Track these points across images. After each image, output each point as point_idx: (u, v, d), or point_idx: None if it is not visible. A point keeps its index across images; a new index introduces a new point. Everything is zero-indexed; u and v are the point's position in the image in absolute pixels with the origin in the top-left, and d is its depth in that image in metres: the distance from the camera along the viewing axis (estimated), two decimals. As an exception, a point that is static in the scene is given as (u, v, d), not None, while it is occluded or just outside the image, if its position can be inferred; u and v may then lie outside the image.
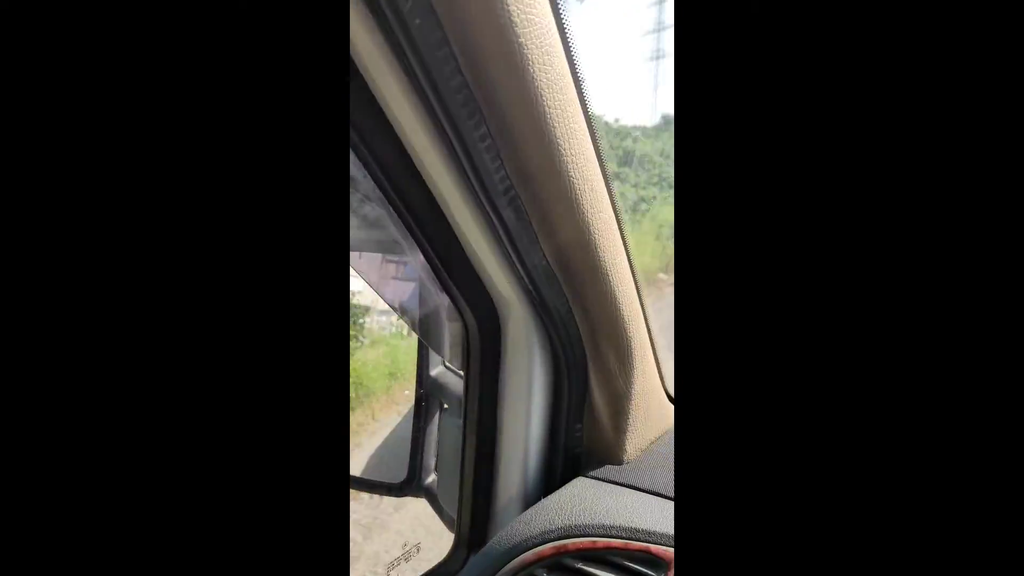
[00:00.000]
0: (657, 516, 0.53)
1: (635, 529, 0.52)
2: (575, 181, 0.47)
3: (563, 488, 0.61)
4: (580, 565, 0.52)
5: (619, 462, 0.64)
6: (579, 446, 0.66)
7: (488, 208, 0.48)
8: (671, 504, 0.56)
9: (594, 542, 0.52)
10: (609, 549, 0.52)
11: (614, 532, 0.53)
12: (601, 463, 0.64)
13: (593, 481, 0.62)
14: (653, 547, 0.50)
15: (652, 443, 0.67)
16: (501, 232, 0.50)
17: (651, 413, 0.66)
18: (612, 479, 0.62)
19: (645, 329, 0.62)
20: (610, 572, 0.51)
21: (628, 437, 0.64)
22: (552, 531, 0.54)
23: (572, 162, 0.46)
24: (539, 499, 0.61)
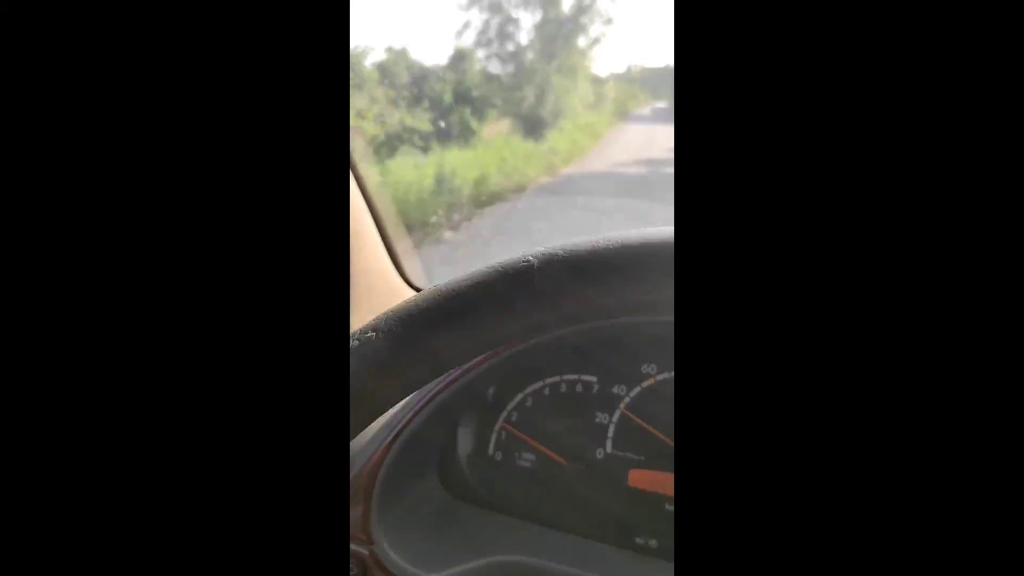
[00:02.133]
0: None
1: None
2: None
3: None
4: None
5: None
6: None
7: None
8: None
9: None
10: None
11: None
12: None
13: None
14: None
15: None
16: None
17: (376, 291, 0.68)
18: None
19: (370, 210, 0.65)
20: None
21: (351, 314, 0.66)
22: None
23: None
24: None
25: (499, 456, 0.52)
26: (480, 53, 10.58)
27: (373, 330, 0.24)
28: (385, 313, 0.23)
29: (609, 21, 12.03)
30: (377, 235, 0.69)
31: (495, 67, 10.49)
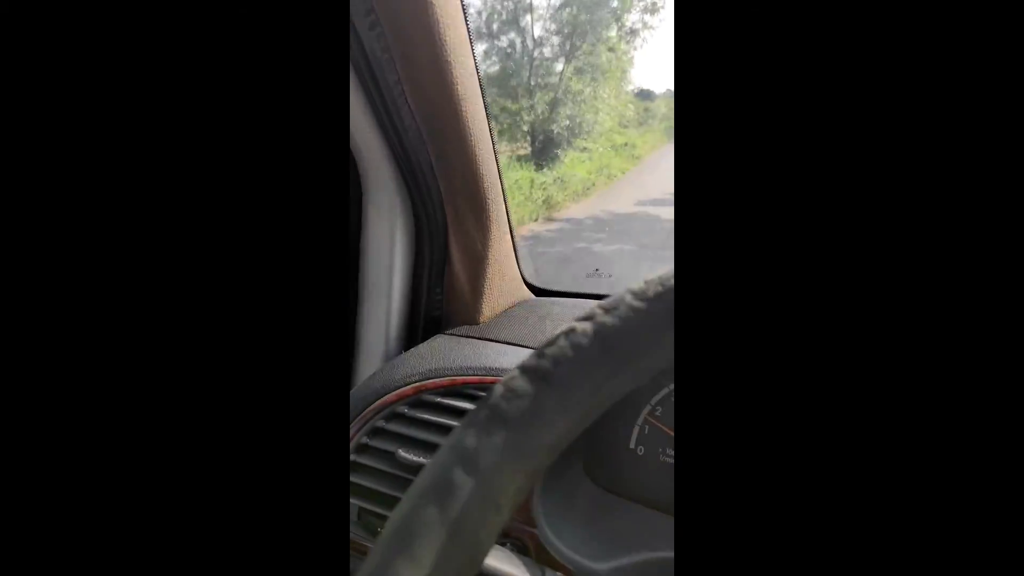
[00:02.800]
0: (511, 358, 0.57)
1: (490, 368, 0.57)
2: (446, 48, 0.52)
3: (424, 343, 0.65)
4: (439, 399, 0.56)
5: (475, 323, 0.68)
6: (439, 309, 0.70)
7: (364, 71, 0.52)
8: (523, 350, 0.60)
9: (452, 380, 0.57)
10: (466, 384, 0.57)
11: (471, 371, 0.57)
12: (459, 323, 0.69)
13: (452, 336, 0.66)
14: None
15: (506, 309, 0.72)
16: (374, 93, 0.54)
17: (505, 280, 0.71)
18: (469, 335, 0.66)
19: (502, 199, 0.66)
20: (467, 402, 0.55)
21: (484, 300, 0.68)
22: (413, 375, 0.58)
23: (444, 32, 0.51)
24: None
25: (641, 451, 0.51)
26: (481, 47, 8.17)
27: (641, 299, 0.21)
28: (649, 281, 0.21)
29: (653, 10, 9.27)
30: (507, 228, 0.69)
31: (497, 66, 8.03)
